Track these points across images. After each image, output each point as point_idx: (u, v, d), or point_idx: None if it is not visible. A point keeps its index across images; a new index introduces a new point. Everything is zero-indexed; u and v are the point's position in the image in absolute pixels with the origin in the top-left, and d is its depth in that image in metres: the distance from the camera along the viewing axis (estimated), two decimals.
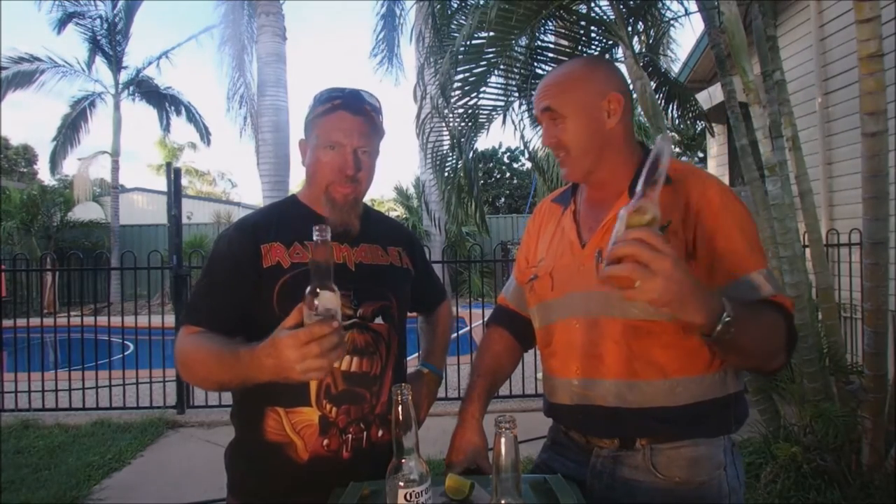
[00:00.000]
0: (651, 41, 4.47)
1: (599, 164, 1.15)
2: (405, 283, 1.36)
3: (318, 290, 0.92)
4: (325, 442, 1.16)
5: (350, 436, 1.18)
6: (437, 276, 1.58)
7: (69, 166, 16.57)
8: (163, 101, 14.92)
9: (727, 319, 0.87)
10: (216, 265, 1.22)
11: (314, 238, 0.96)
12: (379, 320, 1.23)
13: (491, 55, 3.62)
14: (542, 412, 1.31)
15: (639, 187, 0.84)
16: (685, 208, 1.06)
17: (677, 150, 13.82)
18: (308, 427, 1.16)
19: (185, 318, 1.20)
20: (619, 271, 0.81)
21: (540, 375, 4.73)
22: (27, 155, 26.73)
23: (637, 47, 3.93)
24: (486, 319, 1.50)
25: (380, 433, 1.21)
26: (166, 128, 15.53)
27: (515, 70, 3.78)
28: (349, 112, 1.21)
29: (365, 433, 1.19)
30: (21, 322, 5.15)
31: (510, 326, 1.38)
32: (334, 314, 0.93)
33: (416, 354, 1.57)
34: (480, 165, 9.39)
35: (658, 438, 1.09)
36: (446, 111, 3.88)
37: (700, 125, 5.65)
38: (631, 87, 4.10)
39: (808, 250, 3.53)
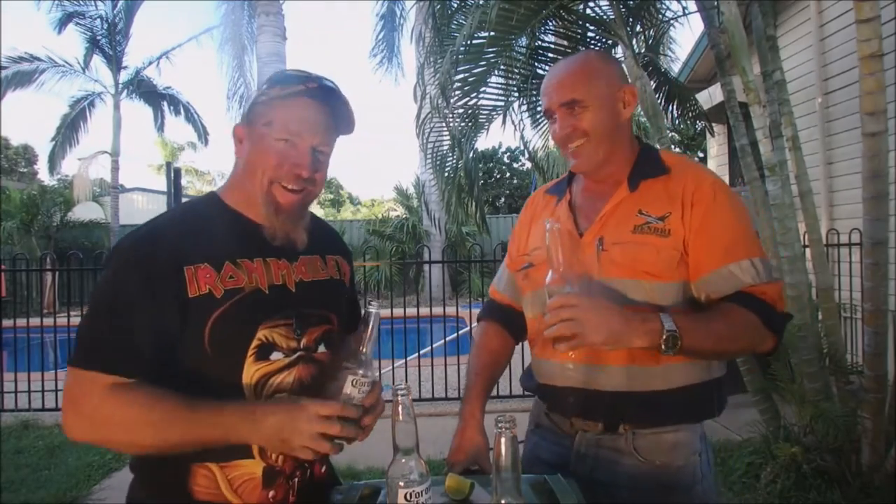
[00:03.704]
0: (651, 41, 4.47)
1: (612, 153, 1.19)
2: (343, 298, 1.18)
3: (365, 374, 0.95)
4: (271, 494, 0.99)
5: (296, 479, 1.03)
6: (359, 304, 1.30)
7: (69, 166, 16.59)
8: (161, 101, 14.91)
9: (668, 335, 0.99)
10: (123, 292, 0.94)
11: (370, 310, 0.97)
12: (322, 348, 1.06)
13: (491, 55, 3.62)
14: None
15: (551, 273, 1.02)
16: (682, 202, 1.12)
17: (677, 150, 13.81)
18: (249, 482, 0.98)
19: (90, 362, 0.91)
20: (554, 332, 0.99)
21: None
22: (27, 155, 26.72)
23: (637, 47, 3.92)
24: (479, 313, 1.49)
25: (323, 469, 1.10)
26: (160, 128, 15.49)
27: (515, 70, 3.78)
28: (317, 101, 1.02)
29: (309, 471, 1.06)
30: (21, 322, 5.15)
31: (504, 320, 1.39)
32: (359, 404, 0.95)
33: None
34: (480, 165, 9.39)
35: (641, 424, 1.14)
36: (446, 111, 3.88)
37: (700, 125, 5.66)
38: None
39: (808, 250, 3.53)
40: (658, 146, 3.80)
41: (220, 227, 1.02)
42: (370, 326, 0.98)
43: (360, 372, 0.96)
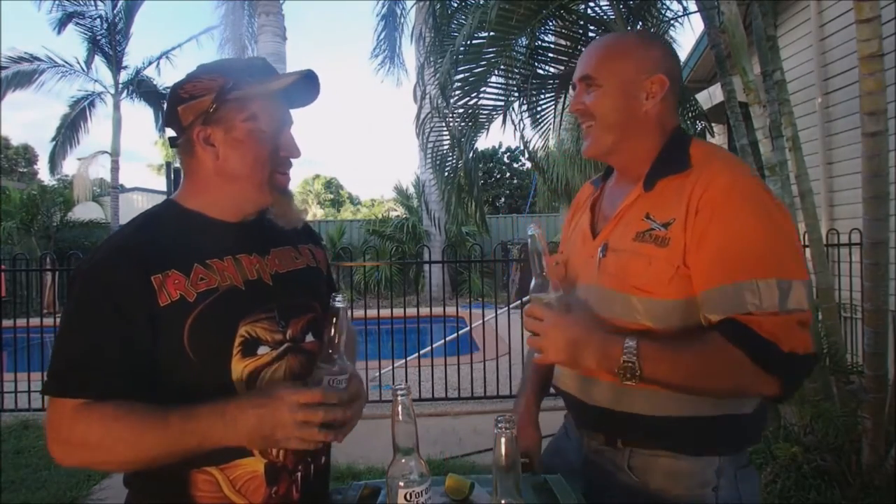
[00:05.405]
0: None
1: (621, 143, 1.09)
2: (323, 285, 1.18)
3: (341, 371, 0.95)
4: (275, 490, 0.97)
5: (299, 474, 1.01)
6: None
7: (69, 166, 16.54)
8: (161, 101, 14.90)
9: (624, 363, 0.93)
10: (87, 314, 0.93)
11: (336, 305, 0.95)
12: (309, 337, 1.05)
13: (491, 55, 3.62)
14: (548, 412, 1.36)
15: (533, 279, 1.02)
16: (687, 207, 0.99)
17: None
18: (252, 480, 0.96)
19: (62, 388, 0.90)
20: (528, 341, 1.03)
21: None
22: (27, 155, 26.75)
23: None
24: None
25: (322, 460, 1.08)
26: (161, 128, 15.52)
27: (515, 70, 3.79)
28: (293, 86, 1.01)
29: (311, 465, 1.04)
30: (21, 322, 5.15)
31: None
32: (344, 390, 0.95)
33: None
34: (480, 165, 9.37)
35: (636, 444, 1.09)
36: (446, 111, 3.89)
37: (700, 125, 5.65)
38: None
39: (808, 250, 3.53)
40: None
41: (184, 231, 1.00)
42: (339, 322, 0.96)
43: (335, 369, 0.94)
